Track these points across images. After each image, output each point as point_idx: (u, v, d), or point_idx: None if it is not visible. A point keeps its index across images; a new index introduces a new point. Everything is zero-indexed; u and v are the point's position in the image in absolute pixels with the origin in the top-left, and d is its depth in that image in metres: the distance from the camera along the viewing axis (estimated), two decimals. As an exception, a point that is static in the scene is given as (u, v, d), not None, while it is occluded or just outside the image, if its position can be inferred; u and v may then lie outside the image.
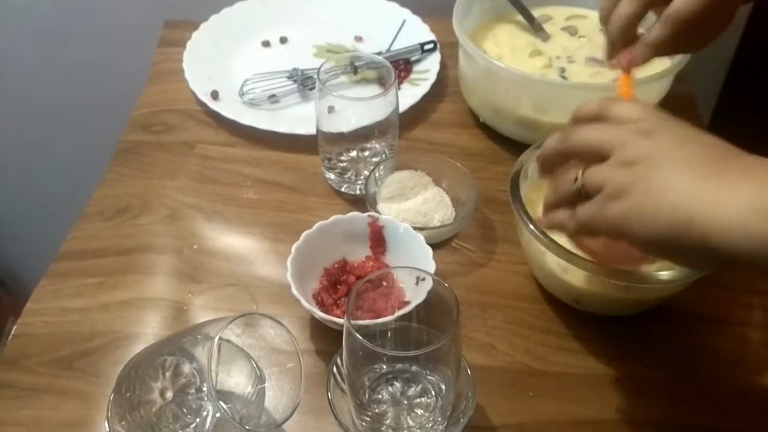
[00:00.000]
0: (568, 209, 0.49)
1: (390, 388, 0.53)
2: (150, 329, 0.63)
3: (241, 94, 0.84)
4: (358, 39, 0.94)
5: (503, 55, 0.82)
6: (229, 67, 0.90)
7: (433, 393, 0.53)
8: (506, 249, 0.69)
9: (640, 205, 0.43)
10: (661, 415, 0.57)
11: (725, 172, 0.42)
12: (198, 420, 0.50)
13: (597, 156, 0.47)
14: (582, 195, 0.47)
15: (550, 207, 0.51)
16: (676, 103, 0.82)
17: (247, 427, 0.49)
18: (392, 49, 0.90)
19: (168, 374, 0.50)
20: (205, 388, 0.50)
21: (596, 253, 0.56)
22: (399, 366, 0.53)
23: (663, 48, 0.55)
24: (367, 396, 0.52)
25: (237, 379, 0.53)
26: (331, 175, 0.75)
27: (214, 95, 0.84)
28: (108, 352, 0.61)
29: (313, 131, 0.74)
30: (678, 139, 0.45)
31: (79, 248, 0.70)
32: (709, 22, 0.53)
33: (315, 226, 0.64)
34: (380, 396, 0.53)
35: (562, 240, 0.57)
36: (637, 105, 0.48)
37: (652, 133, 0.45)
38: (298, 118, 0.82)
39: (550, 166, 0.52)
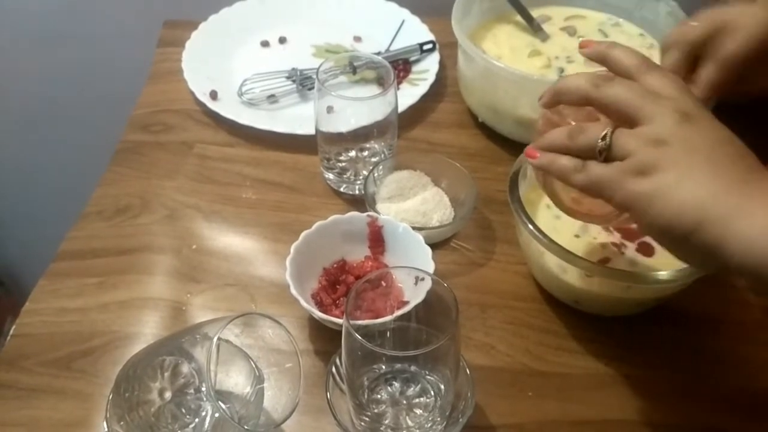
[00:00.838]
0: (574, 160, 0.47)
1: (389, 388, 0.53)
2: (149, 329, 0.63)
3: (240, 94, 0.84)
4: (357, 39, 0.94)
5: (502, 55, 0.82)
6: (228, 67, 0.90)
7: (432, 393, 0.53)
8: (505, 249, 0.69)
9: (665, 193, 0.43)
10: (660, 415, 0.57)
11: (753, 184, 0.42)
12: (197, 420, 0.50)
13: (624, 118, 0.45)
14: (600, 154, 0.46)
15: (553, 148, 0.49)
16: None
17: (246, 427, 0.49)
18: (391, 49, 0.90)
19: (167, 374, 0.50)
20: (203, 389, 0.50)
21: (564, 204, 0.55)
22: (398, 366, 0.53)
23: (715, 90, 0.53)
24: (366, 396, 0.52)
25: (236, 379, 0.53)
26: (330, 175, 0.75)
27: (213, 95, 0.84)
28: (107, 352, 0.61)
29: (312, 131, 0.74)
30: (715, 135, 0.44)
31: (78, 248, 0.70)
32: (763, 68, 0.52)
33: (314, 226, 0.64)
34: (379, 396, 0.53)
35: (561, 240, 0.58)
36: (675, 82, 0.46)
37: (690, 118, 0.44)
38: (297, 118, 0.82)
39: (560, 100, 0.50)
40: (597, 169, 0.46)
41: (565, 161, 0.48)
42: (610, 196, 0.46)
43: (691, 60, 0.55)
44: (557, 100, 0.50)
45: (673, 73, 0.47)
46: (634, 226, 0.63)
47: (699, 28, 0.53)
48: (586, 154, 0.47)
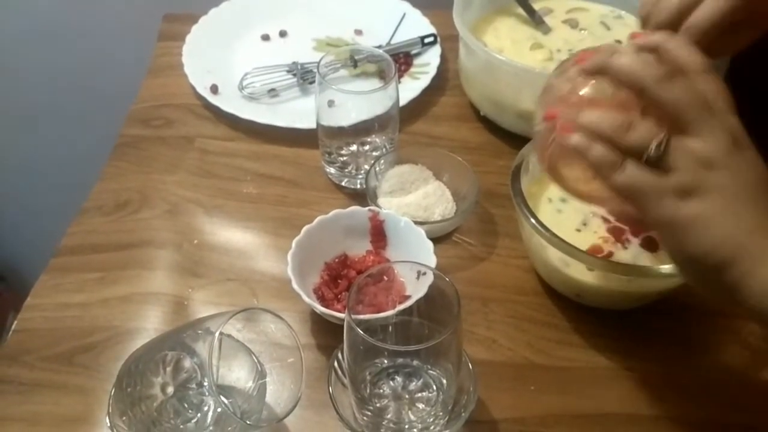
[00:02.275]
0: (613, 153, 0.43)
1: (391, 382, 0.53)
2: (150, 324, 0.63)
3: (241, 88, 0.84)
4: (358, 32, 0.94)
5: (504, 48, 0.81)
6: (228, 61, 0.89)
7: (435, 387, 0.53)
8: (507, 243, 0.69)
9: (706, 223, 0.41)
10: (662, 409, 0.57)
11: None
12: (199, 415, 0.50)
13: (673, 121, 0.42)
14: (646, 160, 0.43)
15: (593, 131, 0.44)
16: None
17: (248, 422, 0.49)
18: (392, 42, 0.90)
19: (169, 369, 0.50)
20: (206, 383, 0.50)
21: (566, 181, 0.51)
22: (400, 360, 0.53)
23: None
24: (368, 390, 0.52)
25: (238, 374, 0.53)
26: (332, 170, 0.75)
27: (214, 89, 0.83)
28: (108, 347, 0.61)
29: (313, 125, 0.74)
30: (760, 169, 0.43)
31: (79, 243, 0.70)
32: (736, 30, 0.51)
33: (315, 221, 0.64)
34: (381, 390, 0.53)
35: (563, 234, 0.57)
36: (726, 94, 0.44)
37: (740, 145, 0.42)
38: (297, 112, 0.81)
39: (605, 74, 0.45)
40: (637, 175, 0.43)
41: (604, 152, 0.44)
42: (644, 208, 0.43)
43: None
44: (602, 72, 0.46)
45: (723, 83, 0.45)
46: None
47: (670, 7, 0.51)
48: (629, 151, 0.44)
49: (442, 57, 0.88)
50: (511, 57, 0.74)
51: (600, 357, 0.60)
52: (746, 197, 0.42)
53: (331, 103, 0.70)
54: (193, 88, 0.84)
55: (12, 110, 1.23)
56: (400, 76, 0.86)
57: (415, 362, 0.53)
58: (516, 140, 0.75)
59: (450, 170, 0.72)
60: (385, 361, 0.53)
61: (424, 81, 0.85)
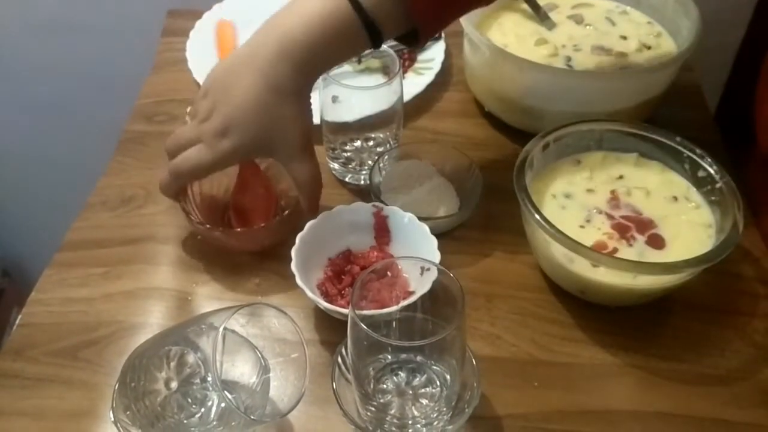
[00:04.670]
0: None
1: (395, 378, 0.53)
2: (154, 319, 0.63)
3: (245, 83, 0.84)
4: (362, 28, 0.94)
5: (508, 43, 0.81)
6: (232, 57, 0.89)
7: (438, 383, 0.53)
8: (511, 239, 0.69)
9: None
10: (666, 406, 0.57)
11: None
12: (203, 410, 0.50)
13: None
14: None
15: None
16: (683, 92, 0.82)
17: (252, 417, 0.49)
18: (396, 38, 0.90)
19: (173, 364, 0.51)
20: (209, 378, 0.50)
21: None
22: (404, 356, 0.53)
23: None
24: (371, 386, 0.52)
25: (242, 369, 0.53)
26: (336, 165, 0.75)
27: (218, 85, 0.83)
28: (112, 342, 0.61)
29: (316, 121, 0.74)
30: None
31: (83, 238, 0.70)
32: None
33: (319, 216, 0.64)
34: (385, 386, 0.53)
35: (567, 230, 0.57)
36: None
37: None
38: (302, 108, 0.81)
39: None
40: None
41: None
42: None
43: None
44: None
45: None
46: None
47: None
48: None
49: (447, 52, 0.88)
50: (515, 52, 0.74)
51: (604, 353, 0.60)
52: None
53: (335, 99, 0.70)
54: (198, 84, 0.84)
55: (16, 105, 1.23)
56: (404, 72, 0.85)
57: (418, 358, 0.53)
58: (520, 136, 0.75)
59: (454, 166, 0.72)
60: (389, 357, 0.53)
61: (428, 77, 0.84)
